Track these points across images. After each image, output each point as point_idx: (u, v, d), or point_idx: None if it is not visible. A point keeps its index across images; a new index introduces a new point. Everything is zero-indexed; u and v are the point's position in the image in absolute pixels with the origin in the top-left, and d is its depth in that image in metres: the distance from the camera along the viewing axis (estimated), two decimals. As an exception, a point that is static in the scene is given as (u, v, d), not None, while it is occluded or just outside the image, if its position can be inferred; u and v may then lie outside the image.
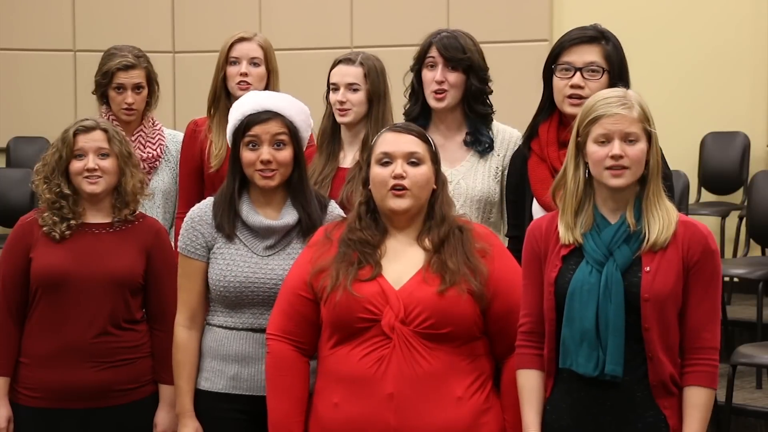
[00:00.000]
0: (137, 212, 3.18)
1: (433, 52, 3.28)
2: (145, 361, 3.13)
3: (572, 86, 3.01)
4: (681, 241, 2.51)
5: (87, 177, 3.09)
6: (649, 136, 2.52)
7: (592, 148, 2.51)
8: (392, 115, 3.47)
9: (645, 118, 2.51)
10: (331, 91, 3.47)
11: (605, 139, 2.50)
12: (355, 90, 3.43)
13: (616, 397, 2.50)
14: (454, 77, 3.27)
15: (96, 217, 3.14)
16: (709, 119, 6.35)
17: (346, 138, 3.50)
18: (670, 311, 2.49)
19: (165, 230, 3.26)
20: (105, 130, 3.14)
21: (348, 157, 3.47)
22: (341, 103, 3.42)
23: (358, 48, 6.25)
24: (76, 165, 3.10)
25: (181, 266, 2.99)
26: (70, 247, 3.08)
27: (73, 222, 3.10)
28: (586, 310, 2.48)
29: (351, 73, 3.44)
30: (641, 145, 2.50)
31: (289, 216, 2.94)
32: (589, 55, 3.03)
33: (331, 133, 3.49)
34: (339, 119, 3.45)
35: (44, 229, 3.09)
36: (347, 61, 3.47)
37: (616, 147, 2.48)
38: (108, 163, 3.11)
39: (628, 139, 2.49)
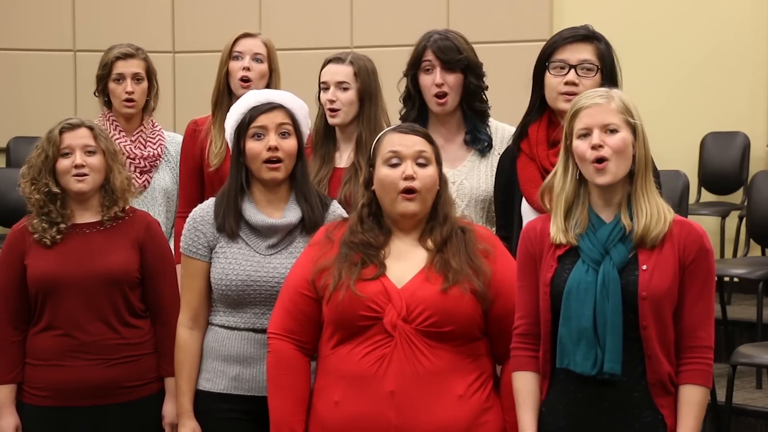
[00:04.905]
0: (127, 207, 3.17)
1: (429, 56, 3.28)
2: (150, 357, 3.13)
3: (567, 83, 3.01)
4: (677, 240, 2.50)
5: (75, 175, 3.08)
6: (634, 130, 2.51)
7: (576, 143, 2.51)
8: (387, 117, 3.47)
9: (626, 110, 2.51)
10: (321, 91, 3.47)
11: (586, 131, 2.50)
12: (345, 89, 3.42)
13: (613, 397, 2.49)
14: (452, 79, 3.28)
15: (85, 217, 3.14)
16: (709, 119, 6.34)
17: (341, 138, 3.49)
18: (667, 309, 2.48)
19: (156, 222, 3.25)
20: (90, 128, 3.13)
21: (343, 157, 3.47)
22: (331, 102, 3.41)
23: (357, 48, 6.27)
24: (63, 163, 3.09)
25: (184, 266, 2.99)
26: (62, 250, 3.07)
27: (62, 225, 3.09)
28: (583, 309, 2.47)
29: (341, 72, 3.43)
30: (622, 135, 2.49)
31: (291, 214, 2.94)
32: (583, 53, 3.03)
33: (324, 133, 3.49)
34: (329, 121, 3.44)
35: (35, 236, 3.09)
36: (337, 60, 3.47)
37: (595, 136, 2.48)
38: (95, 160, 3.10)
39: (607, 129, 2.49)
